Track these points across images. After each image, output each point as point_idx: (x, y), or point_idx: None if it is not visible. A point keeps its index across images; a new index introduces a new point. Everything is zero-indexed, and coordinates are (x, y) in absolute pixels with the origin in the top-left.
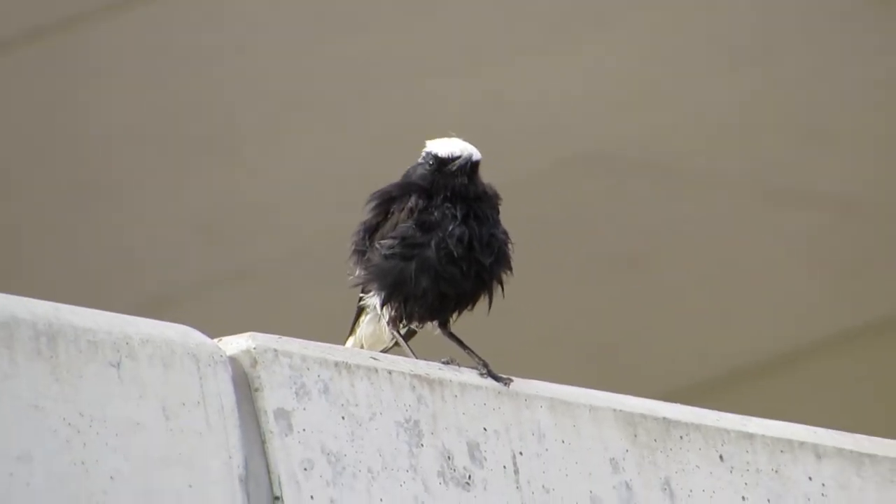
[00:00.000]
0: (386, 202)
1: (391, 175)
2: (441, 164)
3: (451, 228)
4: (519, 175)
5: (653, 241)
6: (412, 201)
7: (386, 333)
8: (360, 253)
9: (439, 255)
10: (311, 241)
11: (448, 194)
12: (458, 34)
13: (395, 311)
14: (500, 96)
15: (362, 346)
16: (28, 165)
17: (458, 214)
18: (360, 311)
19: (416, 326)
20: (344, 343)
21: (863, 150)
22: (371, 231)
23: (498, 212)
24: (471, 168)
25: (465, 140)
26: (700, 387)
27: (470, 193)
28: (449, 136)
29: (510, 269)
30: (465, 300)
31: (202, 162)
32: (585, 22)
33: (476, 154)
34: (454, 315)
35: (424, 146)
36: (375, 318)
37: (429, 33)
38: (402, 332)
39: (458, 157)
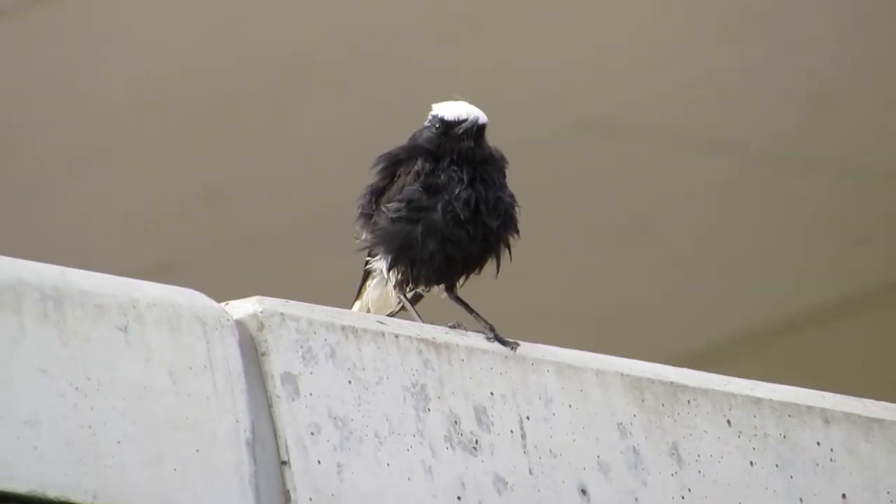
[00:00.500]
0: (392, 165)
1: (397, 143)
2: (447, 127)
3: (457, 191)
4: (525, 142)
5: (657, 208)
6: (419, 164)
7: (392, 297)
8: (367, 216)
9: (446, 218)
10: (318, 207)
11: (454, 157)
12: (461, 2)
13: (402, 274)
14: (505, 63)
15: (369, 311)
16: (33, 130)
17: (465, 177)
18: (367, 274)
19: (423, 290)
20: (350, 307)
21: (866, 115)
22: (377, 194)
23: (504, 175)
24: (477, 131)
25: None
26: (707, 353)
27: (476, 156)
28: (455, 99)
29: (517, 232)
30: (471, 263)
31: (208, 128)
32: None
33: (482, 117)
34: (461, 279)
35: (430, 110)
36: (382, 282)
37: (431, 2)
38: (409, 295)
39: (465, 120)
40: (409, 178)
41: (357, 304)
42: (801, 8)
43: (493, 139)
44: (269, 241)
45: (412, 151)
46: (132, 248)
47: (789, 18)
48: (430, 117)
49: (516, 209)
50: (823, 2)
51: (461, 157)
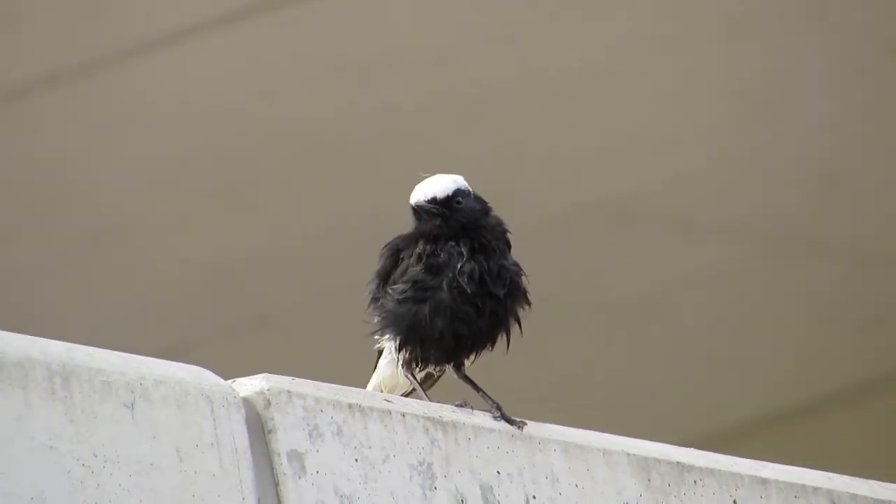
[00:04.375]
0: (396, 251)
1: (406, 221)
2: (416, 213)
3: (459, 266)
4: (534, 223)
5: (667, 290)
6: (419, 247)
7: (401, 377)
8: (377, 300)
9: (453, 295)
10: (326, 287)
11: (450, 233)
12: (473, 85)
13: (410, 354)
14: (515, 146)
15: (382, 390)
16: (45, 211)
17: (465, 251)
18: (380, 354)
19: (436, 371)
20: (366, 386)
21: (878, 200)
22: (384, 278)
23: (507, 243)
24: (443, 203)
25: (479, 188)
26: (713, 436)
27: (449, 228)
28: (421, 177)
29: (528, 302)
30: (481, 340)
31: (219, 208)
32: (600, 74)
33: (441, 188)
34: (471, 356)
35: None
36: (393, 362)
37: (445, 84)
38: (419, 375)
39: (422, 201)
40: (413, 260)
41: (371, 383)
42: (808, 94)
43: (505, 219)
44: (278, 321)
45: (413, 236)
46: (141, 326)
47: (796, 104)
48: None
49: (523, 278)
50: (830, 88)
51: (434, 234)
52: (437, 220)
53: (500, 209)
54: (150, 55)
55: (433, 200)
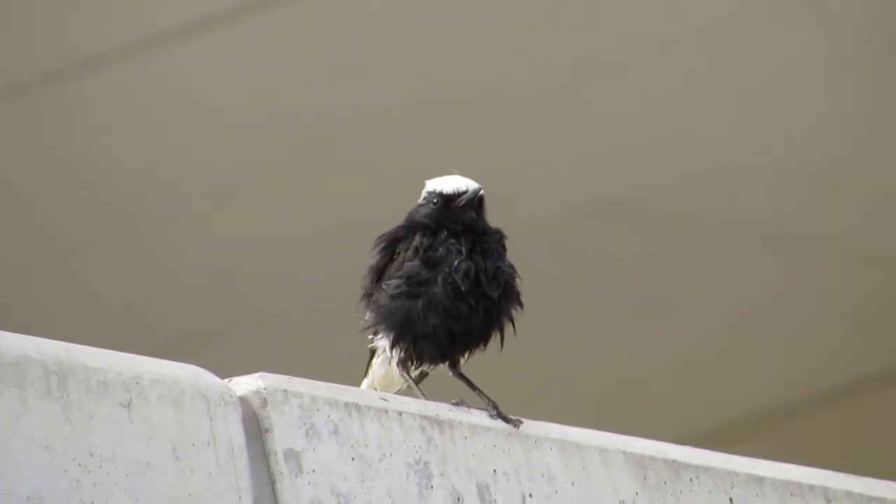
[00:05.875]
0: (392, 243)
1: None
2: (447, 200)
3: (456, 263)
4: (537, 220)
5: (668, 287)
6: (417, 240)
7: (396, 375)
8: (369, 296)
9: (446, 291)
10: (326, 286)
11: (452, 230)
12: (475, 79)
13: (405, 352)
14: (518, 141)
15: (376, 389)
16: (43, 208)
17: (463, 249)
18: (373, 353)
19: (429, 368)
20: (359, 385)
21: (879, 197)
22: (379, 273)
23: (504, 247)
24: (478, 202)
25: (481, 182)
26: (713, 433)
27: (478, 228)
28: (450, 173)
29: (520, 304)
30: (474, 338)
31: (217, 207)
32: (604, 68)
33: (481, 188)
34: (465, 355)
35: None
36: (387, 360)
37: (448, 82)
38: (414, 373)
39: (465, 192)
40: (409, 254)
41: (365, 383)
42: (809, 92)
43: (507, 216)
44: (276, 320)
45: (410, 228)
46: (138, 324)
47: (799, 102)
48: (425, 193)
49: (517, 280)
50: (831, 86)
51: (463, 228)
52: (473, 213)
53: (503, 205)
54: (149, 52)
55: (477, 192)
